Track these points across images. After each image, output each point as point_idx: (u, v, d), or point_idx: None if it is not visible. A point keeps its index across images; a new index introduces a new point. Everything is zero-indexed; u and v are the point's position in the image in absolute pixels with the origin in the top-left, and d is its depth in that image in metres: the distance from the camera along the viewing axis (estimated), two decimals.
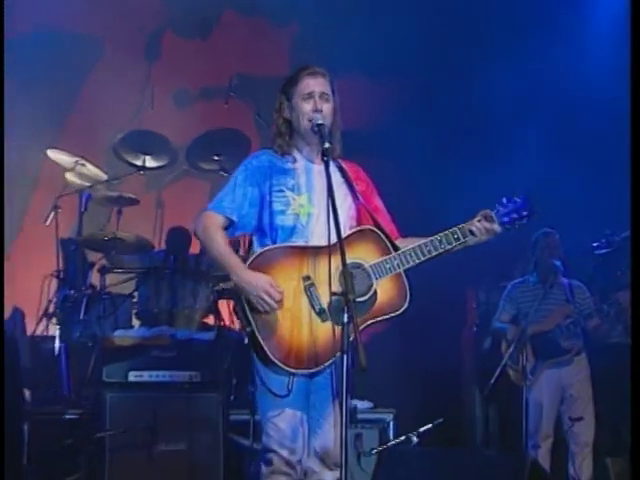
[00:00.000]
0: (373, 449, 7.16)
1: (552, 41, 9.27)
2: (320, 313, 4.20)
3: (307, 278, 4.22)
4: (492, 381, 7.10)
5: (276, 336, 4.20)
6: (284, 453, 4.26)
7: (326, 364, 4.23)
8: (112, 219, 8.10)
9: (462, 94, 9.26)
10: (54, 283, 7.88)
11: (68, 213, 7.99)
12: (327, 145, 4.27)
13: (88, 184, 7.93)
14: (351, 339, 3.99)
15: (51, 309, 7.79)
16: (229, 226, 4.41)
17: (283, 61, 9.65)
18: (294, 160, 4.47)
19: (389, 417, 7.59)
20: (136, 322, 7.83)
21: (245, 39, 9.49)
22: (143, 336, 7.36)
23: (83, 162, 7.93)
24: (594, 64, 9.28)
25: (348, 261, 4.07)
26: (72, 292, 7.69)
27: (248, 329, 4.23)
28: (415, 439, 7.18)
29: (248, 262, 4.28)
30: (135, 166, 7.96)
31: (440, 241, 4.39)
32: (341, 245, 4.00)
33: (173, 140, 8.31)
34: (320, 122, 4.36)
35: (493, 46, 9.26)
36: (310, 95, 4.44)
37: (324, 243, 4.19)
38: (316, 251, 4.25)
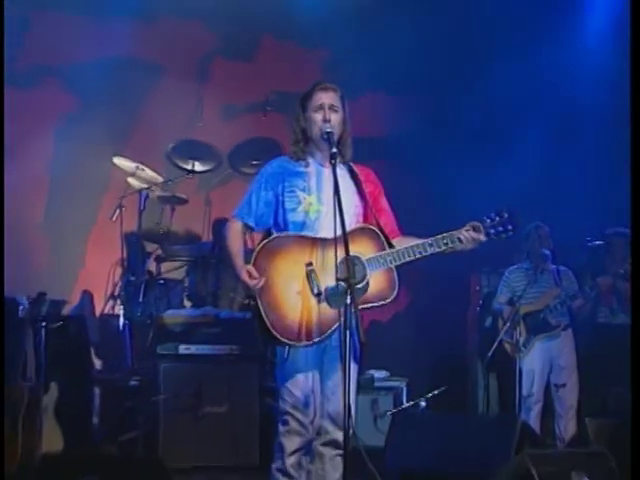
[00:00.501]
0: (387, 412, 7.32)
1: (556, 44, 9.22)
2: (317, 295, 4.27)
3: (309, 264, 4.29)
4: (490, 353, 7.23)
5: (276, 313, 4.29)
6: (298, 415, 4.36)
7: (318, 339, 4.29)
8: (167, 216, 8.22)
9: (468, 105, 9.23)
10: (119, 270, 8.02)
11: (130, 211, 8.12)
12: (334, 150, 4.36)
13: (146, 186, 8.08)
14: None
15: (116, 292, 7.95)
16: (249, 227, 4.55)
17: (314, 79, 9.62)
18: (307, 164, 4.55)
19: (402, 385, 7.72)
20: (187, 303, 7.94)
21: (282, 61, 9.54)
22: (191, 315, 7.52)
23: (142, 167, 8.07)
24: (594, 65, 9.23)
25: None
26: (133, 278, 7.87)
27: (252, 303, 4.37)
28: (423, 404, 7.35)
29: (263, 243, 4.41)
30: (185, 170, 8.09)
31: (430, 245, 4.40)
32: (345, 238, 4.10)
33: (219, 148, 8.43)
34: (329, 130, 4.44)
35: (498, 60, 9.18)
36: (321, 107, 4.51)
37: (330, 237, 4.26)
38: (321, 242, 4.34)
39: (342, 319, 4.09)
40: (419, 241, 4.46)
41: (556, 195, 8.71)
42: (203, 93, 9.71)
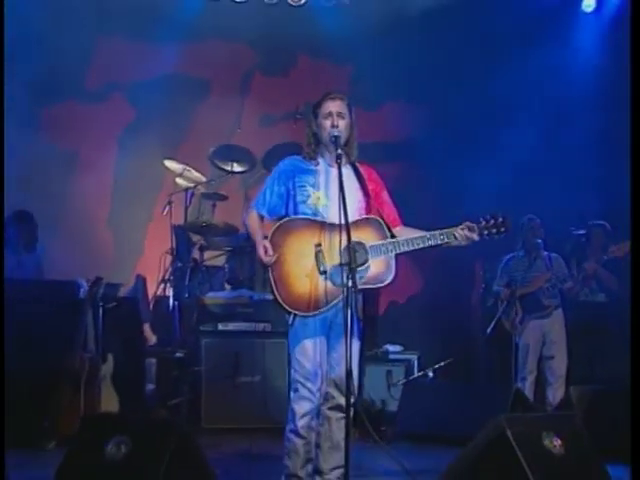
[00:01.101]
0: (399, 381, 7.27)
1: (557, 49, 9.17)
2: (322, 273, 4.23)
3: (318, 245, 4.26)
4: (489, 330, 7.22)
5: (286, 285, 4.27)
6: (307, 384, 4.32)
7: (323, 309, 4.25)
8: (209, 211, 8.19)
9: (471, 110, 9.23)
10: (168, 258, 8.02)
11: (178, 207, 8.09)
12: (339, 152, 4.32)
13: (192, 185, 8.05)
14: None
15: (167, 277, 7.95)
16: (263, 216, 4.51)
17: (342, 92, 9.62)
18: (317, 164, 4.51)
19: (414, 357, 7.68)
20: (227, 287, 7.92)
21: (313, 75, 9.47)
22: (228, 297, 7.54)
23: (189, 169, 8.06)
24: (593, 65, 9.17)
25: (353, 239, 4.13)
26: (181, 264, 7.86)
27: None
28: (431, 374, 7.29)
29: (279, 223, 4.38)
30: (225, 171, 8.05)
31: (428, 238, 4.34)
32: (347, 229, 4.06)
33: (257, 151, 8.39)
34: (336, 134, 4.39)
35: (500, 61, 9.16)
36: (330, 114, 4.46)
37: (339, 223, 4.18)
38: (330, 227, 4.29)
39: (344, 299, 4.03)
40: (418, 233, 4.41)
41: (547, 189, 8.58)
42: (244, 104, 9.71)
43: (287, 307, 4.29)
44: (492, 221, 4.34)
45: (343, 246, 4.17)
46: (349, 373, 3.96)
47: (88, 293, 6.36)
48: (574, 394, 6.05)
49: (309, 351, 4.35)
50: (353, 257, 4.05)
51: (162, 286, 7.97)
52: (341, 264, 4.17)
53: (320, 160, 4.53)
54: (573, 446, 3.67)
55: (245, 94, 9.77)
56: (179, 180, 8.11)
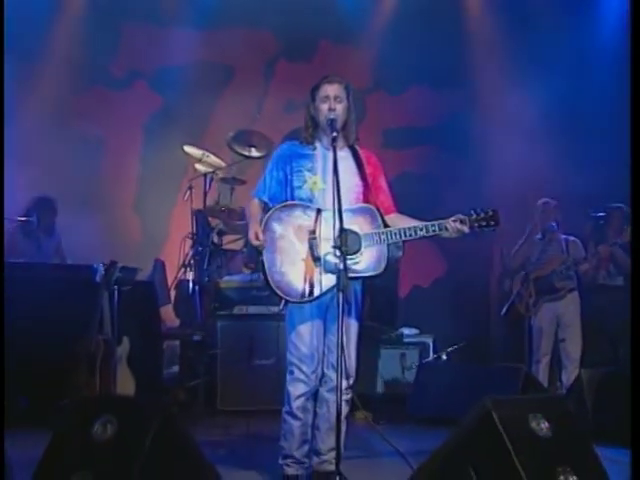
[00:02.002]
0: (413, 364, 7.23)
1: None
2: (316, 260, 4.22)
3: (312, 232, 4.25)
4: (503, 312, 7.19)
5: (280, 271, 4.26)
6: (302, 367, 4.34)
7: (314, 297, 4.23)
8: (227, 195, 8.18)
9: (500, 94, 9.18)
10: (189, 242, 8.05)
11: (198, 191, 8.09)
12: (334, 135, 4.30)
13: (211, 170, 8.04)
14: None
15: (187, 261, 7.98)
16: (265, 202, 4.50)
17: (365, 77, 9.64)
18: (314, 148, 4.47)
19: (430, 340, 7.63)
20: (245, 270, 7.90)
21: (336, 61, 9.45)
22: (244, 280, 7.53)
23: (208, 154, 8.06)
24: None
25: (347, 227, 4.14)
26: (200, 248, 7.86)
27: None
28: (444, 357, 7.23)
29: (275, 208, 4.36)
30: (243, 156, 8.03)
31: (420, 229, 4.30)
32: (340, 212, 4.05)
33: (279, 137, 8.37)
34: (332, 117, 4.36)
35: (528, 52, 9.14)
36: (327, 97, 4.42)
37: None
38: (325, 214, 4.27)
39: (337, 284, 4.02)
40: (411, 222, 4.39)
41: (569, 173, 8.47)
42: (268, 91, 9.72)
43: (280, 293, 4.27)
44: (482, 214, 4.31)
45: (336, 231, 4.15)
46: (341, 355, 3.97)
47: (104, 277, 6.39)
48: (584, 376, 6.01)
49: (305, 335, 4.36)
50: (344, 241, 4.03)
51: (183, 270, 8.00)
52: (333, 247, 4.14)
53: (317, 144, 4.50)
54: (561, 428, 3.61)
55: (269, 80, 9.78)
56: (198, 166, 8.11)
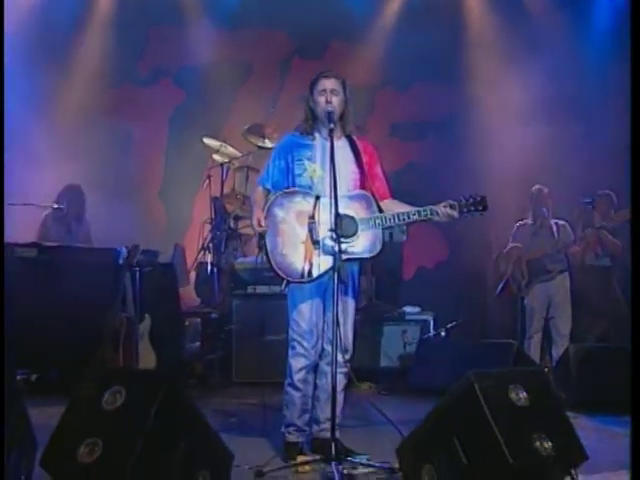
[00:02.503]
0: (414, 339, 7.22)
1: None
2: (315, 243, 4.20)
3: (311, 217, 4.24)
4: (497, 292, 7.15)
5: (281, 254, 4.25)
6: (303, 342, 4.35)
7: (313, 278, 4.22)
8: (243, 183, 8.14)
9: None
10: (208, 227, 8.06)
11: (216, 179, 8.07)
12: (332, 126, 4.28)
13: (228, 160, 8.03)
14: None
15: (206, 244, 7.99)
16: (268, 190, 4.48)
17: (374, 73, 9.61)
18: (314, 138, 4.47)
19: (430, 318, 7.60)
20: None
21: (348, 58, 9.40)
22: (256, 262, 7.49)
23: (225, 145, 8.07)
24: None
25: (344, 212, 4.19)
26: (218, 233, 7.86)
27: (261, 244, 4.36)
28: (443, 333, 7.21)
29: (277, 194, 4.36)
30: (257, 146, 8.01)
31: (413, 214, 4.31)
32: (335, 197, 4.07)
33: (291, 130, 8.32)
34: (330, 110, 4.35)
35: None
36: (324, 91, 4.42)
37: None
38: (324, 199, 4.26)
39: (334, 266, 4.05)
40: (405, 208, 4.39)
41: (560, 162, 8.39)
42: (283, 86, 9.70)
43: (282, 274, 4.27)
44: (471, 200, 4.30)
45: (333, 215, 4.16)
46: (336, 330, 4.01)
47: (126, 259, 6.42)
48: (572, 351, 6.02)
49: (305, 312, 4.36)
50: (340, 225, 4.06)
51: (202, 253, 8.00)
52: (330, 229, 4.15)
53: (317, 135, 4.50)
54: (539, 399, 3.59)
55: (284, 77, 9.75)
56: (216, 156, 8.11)
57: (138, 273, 6.44)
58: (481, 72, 9.40)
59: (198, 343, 7.46)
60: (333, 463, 3.80)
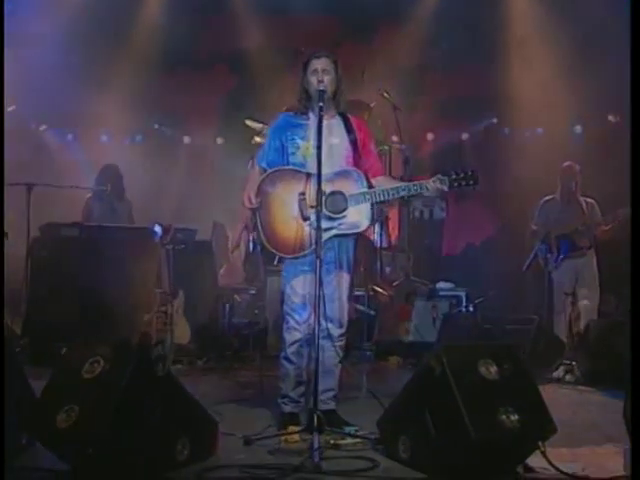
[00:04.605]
0: (441, 314, 7.13)
1: None
2: (305, 219, 4.17)
3: (302, 194, 4.20)
4: (524, 268, 6.98)
5: (272, 230, 4.25)
6: (295, 316, 4.34)
7: (305, 252, 4.19)
8: None
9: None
10: None
11: None
12: (321, 104, 4.22)
13: None
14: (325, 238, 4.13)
15: (247, 223, 8.00)
16: (264, 169, 4.44)
17: (422, 55, 9.51)
18: (307, 118, 4.42)
19: (463, 294, 7.50)
20: None
21: (394, 41, 9.42)
22: None
23: (266, 127, 8.04)
24: None
25: (334, 189, 4.18)
26: None
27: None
28: (471, 308, 7.09)
29: (268, 172, 4.33)
30: None
31: (403, 189, 4.26)
32: (319, 176, 4.01)
33: None
34: (321, 89, 4.31)
35: None
36: (315, 71, 4.37)
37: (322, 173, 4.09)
38: (314, 176, 4.14)
39: (319, 241, 3.99)
40: (395, 184, 4.34)
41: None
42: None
43: (273, 249, 4.27)
44: (462, 174, 4.23)
45: (325, 194, 4.13)
46: (318, 305, 3.94)
47: (161, 237, 6.53)
48: (592, 327, 5.84)
49: (297, 287, 4.34)
50: (323, 202, 4.04)
51: (246, 231, 8.05)
52: (311, 206, 4.10)
53: (310, 114, 4.45)
54: (509, 373, 3.49)
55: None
56: (257, 138, 8.11)
57: (172, 251, 6.54)
58: (527, 50, 9.13)
59: (242, 319, 7.54)
60: (315, 433, 3.76)
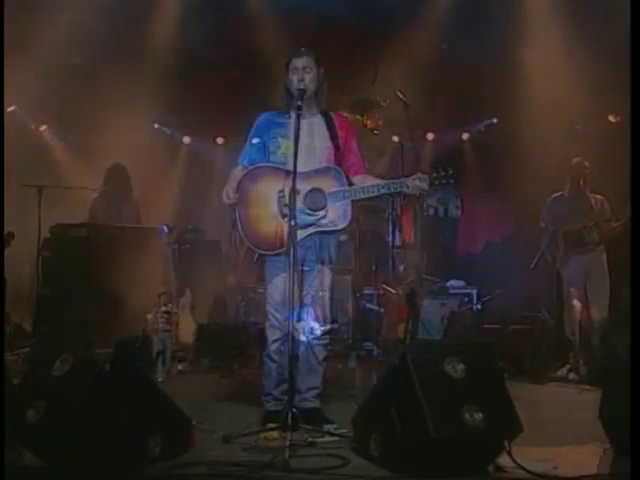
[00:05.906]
0: (450, 311, 7.10)
1: None
2: (284, 216, 4.17)
3: (280, 191, 4.23)
4: (532, 265, 6.88)
5: (251, 226, 4.28)
6: (276, 314, 4.35)
7: (283, 249, 4.17)
8: None
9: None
10: None
11: None
12: (299, 103, 4.23)
13: None
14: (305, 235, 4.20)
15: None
16: (247, 166, 4.46)
17: (437, 52, 9.39)
18: (289, 117, 4.41)
19: (474, 292, 7.45)
20: None
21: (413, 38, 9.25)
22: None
23: None
24: None
25: (314, 186, 4.23)
26: None
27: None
28: (479, 306, 7.04)
29: (248, 169, 4.37)
30: None
31: (382, 187, 4.27)
32: (294, 174, 4.01)
33: None
34: (301, 87, 4.32)
35: None
36: (296, 69, 4.39)
37: (302, 171, 4.14)
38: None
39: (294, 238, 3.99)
40: (375, 182, 4.33)
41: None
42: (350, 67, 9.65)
43: (252, 246, 4.29)
44: (442, 172, 4.23)
45: (304, 191, 4.19)
46: (292, 302, 3.94)
47: (167, 237, 6.60)
48: (596, 325, 5.76)
49: (279, 285, 4.34)
50: (293, 199, 3.99)
51: None
52: (285, 205, 4.12)
53: (292, 113, 4.41)
54: (476, 371, 3.46)
55: (349, 60, 9.68)
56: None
57: (177, 250, 6.60)
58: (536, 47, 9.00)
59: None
60: (288, 433, 3.77)
